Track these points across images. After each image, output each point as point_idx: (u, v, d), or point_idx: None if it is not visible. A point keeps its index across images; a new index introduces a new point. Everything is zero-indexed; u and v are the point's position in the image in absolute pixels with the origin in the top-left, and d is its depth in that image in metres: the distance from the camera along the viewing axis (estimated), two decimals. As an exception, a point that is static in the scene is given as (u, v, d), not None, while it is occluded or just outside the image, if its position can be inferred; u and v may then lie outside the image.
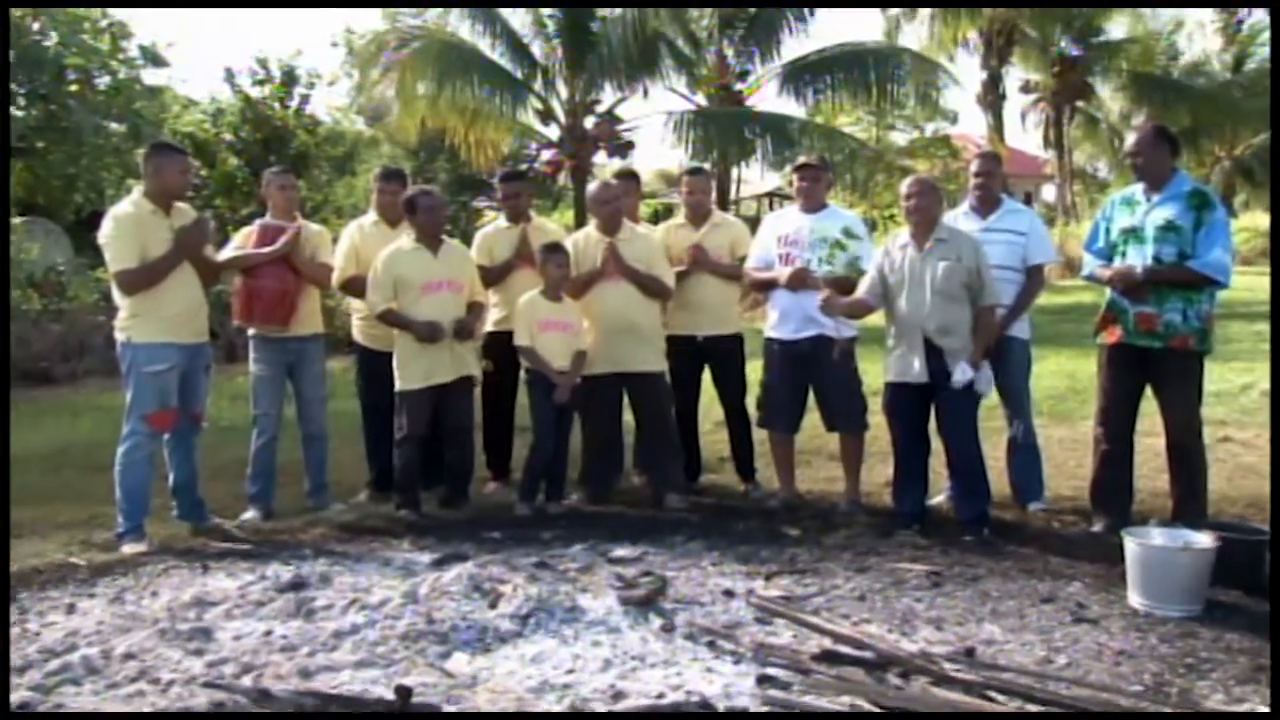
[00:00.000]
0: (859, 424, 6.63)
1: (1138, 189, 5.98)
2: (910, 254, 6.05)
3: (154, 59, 19.12)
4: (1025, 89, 34.69)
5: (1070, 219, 30.80)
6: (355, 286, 6.90)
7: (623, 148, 19.16)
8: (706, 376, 7.23)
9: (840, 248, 6.43)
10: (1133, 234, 5.87)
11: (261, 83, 20.39)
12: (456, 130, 17.92)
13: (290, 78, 20.46)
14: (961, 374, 5.89)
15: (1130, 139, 5.99)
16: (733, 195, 24.16)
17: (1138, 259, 5.83)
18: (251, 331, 6.81)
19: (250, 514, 6.64)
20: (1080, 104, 33.66)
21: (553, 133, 19.27)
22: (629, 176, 7.57)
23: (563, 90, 18.62)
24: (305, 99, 20.61)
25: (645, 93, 18.74)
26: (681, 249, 7.08)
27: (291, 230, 6.68)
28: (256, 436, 6.79)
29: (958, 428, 6.01)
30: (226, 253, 6.69)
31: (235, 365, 11.07)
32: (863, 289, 6.20)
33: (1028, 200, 52.90)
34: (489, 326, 7.15)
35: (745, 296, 7.69)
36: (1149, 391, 5.95)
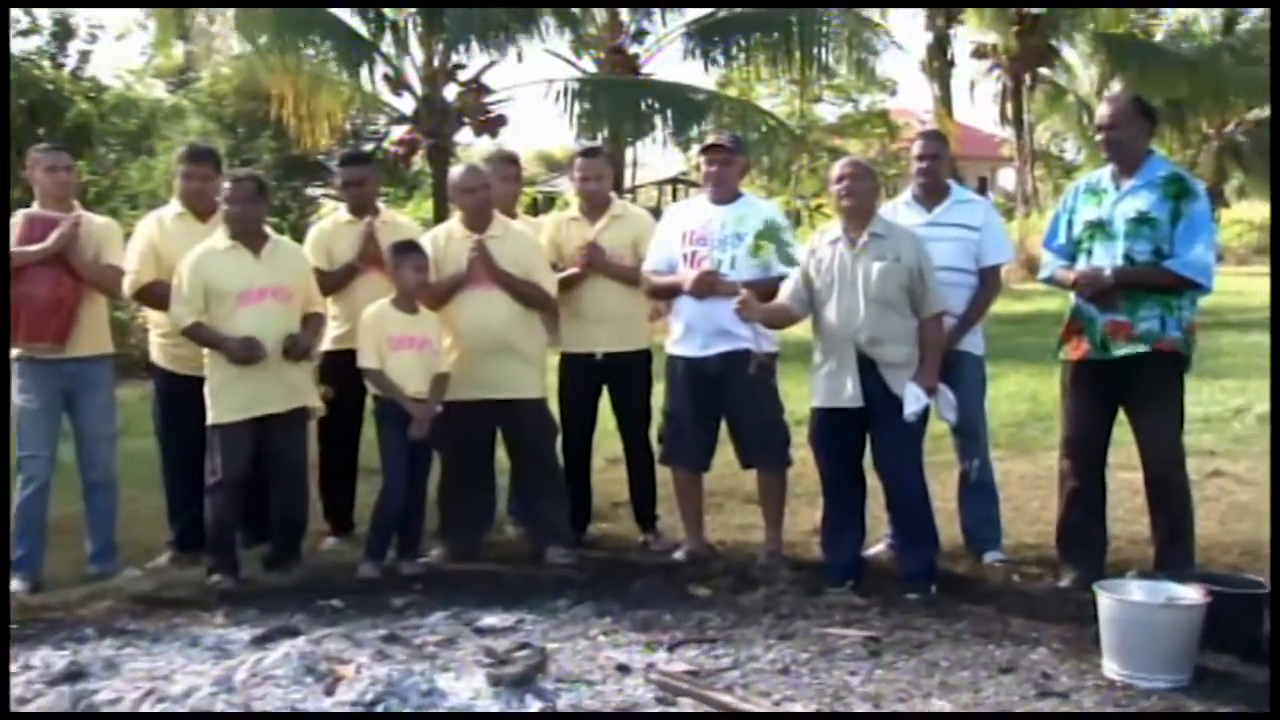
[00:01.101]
0: (781, 459, 6.72)
1: (1104, 175, 6.16)
2: (840, 252, 6.15)
3: None
4: (978, 53, 35.33)
5: (1032, 209, 31.54)
6: (154, 295, 6.80)
7: (493, 123, 19.14)
8: (604, 403, 7.29)
9: (760, 248, 6.49)
10: (1099, 228, 6.04)
11: (26, 34, 19.80)
12: (285, 99, 17.75)
13: (64, 29, 19.92)
14: (915, 401, 5.99)
15: (1103, 109, 6.16)
16: (628, 182, 24.34)
17: (1106, 258, 5.99)
18: (15, 352, 6.59)
19: (14, 584, 6.44)
20: (1043, 71, 34.39)
21: (406, 104, 19.19)
22: (504, 160, 7.60)
23: (418, 52, 18.57)
24: (85, 57, 20.08)
25: (520, 56, 18.79)
26: (576, 248, 7.14)
27: (67, 223, 6.55)
28: (21, 486, 6.58)
29: (899, 462, 6.12)
30: None
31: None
32: (784, 293, 6.28)
33: (982, 188, 54.05)
34: (327, 344, 7.10)
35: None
36: (1122, 417, 6.12)
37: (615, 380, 7.21)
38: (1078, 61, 33.53)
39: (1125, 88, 27.14)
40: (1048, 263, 6.31)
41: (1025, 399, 11.35)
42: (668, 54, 21.83)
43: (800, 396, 6.68)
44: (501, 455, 7.05)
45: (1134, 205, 5.95)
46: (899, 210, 6.75)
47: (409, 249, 6.68)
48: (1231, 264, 30.42)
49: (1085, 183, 6.29)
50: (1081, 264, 6.08)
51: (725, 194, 6.76)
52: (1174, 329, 5.92)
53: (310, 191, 26.83)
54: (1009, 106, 34.35)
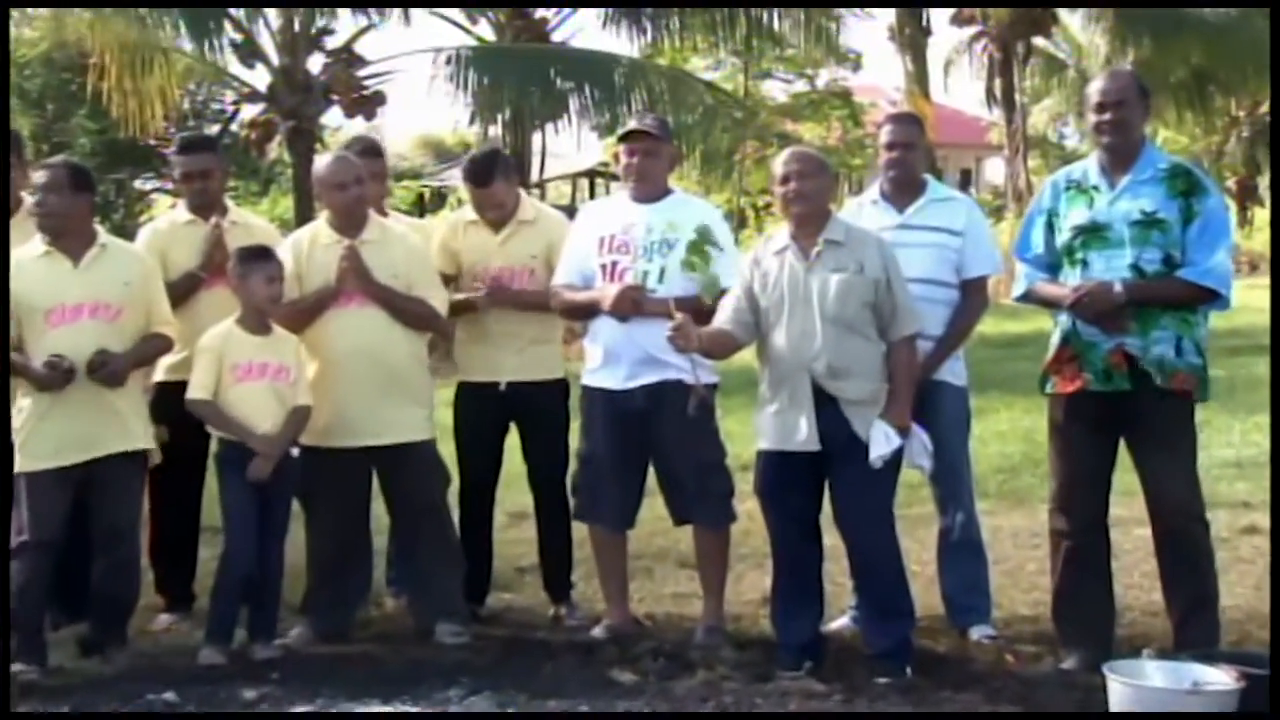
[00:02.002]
0: (721, 513, 6.76)
1: (1089, 168, 6.23)
2: (790, 263, 6.18)
3: None
4: (960, 19, 35.64)
5: (1025, 208, 31.73)
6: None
7: (368, 102, 19.15)
8: (511, 445, 7.32)
9: (693, 264, 6.41)
10: (1094, 233, 6.08)
11: None
12: (107, 70, 17.61)
13: None
14: (885, 443, 6.01)
15: (1103, 84, 6.23)
16: (534, 175, 24.28)
17: (1109, 270, 6.02)
18: None
19: None
20: (1039, 41, 34.76)
21: (259, 78, 19.15)
22: (364, 152, 7.46)
23: (274, 15, 18.52)
24: None
25: (407, 19, 18.80)
26: (479, 257, 7.18)
27: None
28: None
29: (865, 517, 6.16)
30: None
31: None
32: (723, 315, 6.29)
33: (964, 182, 54.64)
34: (160, 374, 7.06)
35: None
36: (1125, 460, 6.18)
37: (524, 416, 7.22)
38: (1080, 28, 33.81)
39: (1137, 62, 27.37)
40: (1023, 276, 6.35)
41: (1018, 439, 11.45)
42: (583, 19, 21.84)
43: (745, 437, 6.71)
44: (379, 510, 7.05)
45: (1137, 205, 6.02)
46: (864, 210, 6.82)
47: (258, 256, 6.66)
48: (1256, 276, 30.67)
49: (1066, 178, 6.33)
50: (1073, 277, 6.12)
51: (651, 191, 6.79)
52: (1192, 354, 6.00)
53: (140, 185, 26.66)
54: (997, 83, 34.65)
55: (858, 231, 6.28)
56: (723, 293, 6.33)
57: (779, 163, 6.27)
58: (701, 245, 6.36)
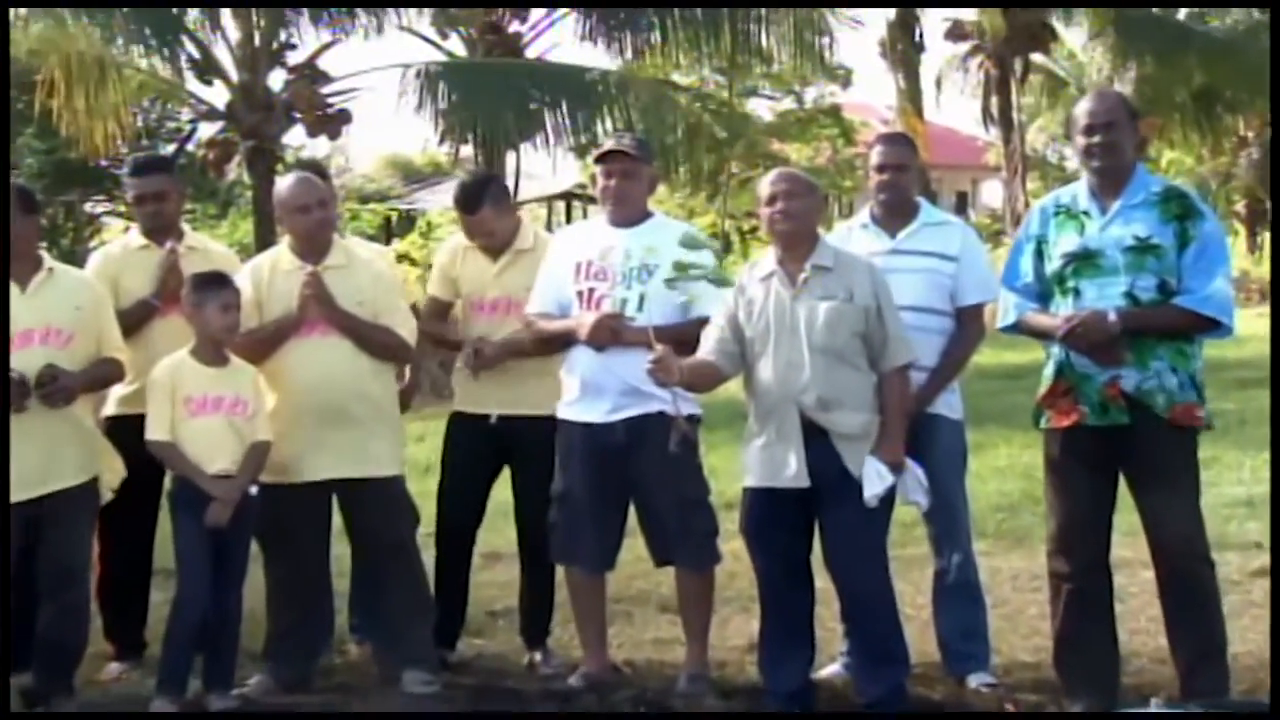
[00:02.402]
0: (705, 554, 6.76)
1: (1079, 192, 6.25)
2: (776, 290, 6.20)
3: None
4: (954, 34, 35.79)
5: (1026, 233, 31.82)
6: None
7: (332, 120, 19.14)
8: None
9: (680, 269, 6.37)
10: (1086, 260, 6.09)
11: None
12: (57, 87, 17.57)
13: None
14: (877, 481, 6.03)
15: (1091, 105, 6.24)
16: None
17: (1102, 298, 6.02)
18: None
19: None
20: (1037, 57, 34.92)
21: (218, 96, 19.13)
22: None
23: (234, 29, 18.52)
24: None
25: (378, 30, 18.81)
26: (476, 285, 7.23)
27: None
28: None
29: (857, 558, 6.17)
30: None
31: None
32: (706, 345, 6.30)
33: (960, 206, 54.80)
34: (111, 407, 7.05)
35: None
36: (1125, 497, 6.19)
37: (516, 453, 7.23)
38: (1080, 45, 33.93)
39: (1141, 79, 27.44)
40: (1010, 306, 6.35)
41: (1018, 475, 11.45)
42: (560, 33, 21.87)
43: (730, 473, 6.73)
44: (343, 550, 7.04)
45: (1130, 230, 6.04)
46: (854, 235, 6.84)
47: (215, 282, 6.65)
48: (1259, 304, 30.74)
49: (1054, 203, 6.35)
50: (1065, 307, 6.12)
51: (630, 214, 6.81)
52: (1189, 387, 6.01)
53: (90, 208, 26.60)
54: (994, 101, 34.79)
55: (847, 257, 6.31)
56: (725, 282, 6.30)
57: (765, 183, 6.30)
58: (688, 248, 6.29)
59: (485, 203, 7.22)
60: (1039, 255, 6.26)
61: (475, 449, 7.24)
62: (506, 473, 7.33)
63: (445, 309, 7.39)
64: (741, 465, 6.36)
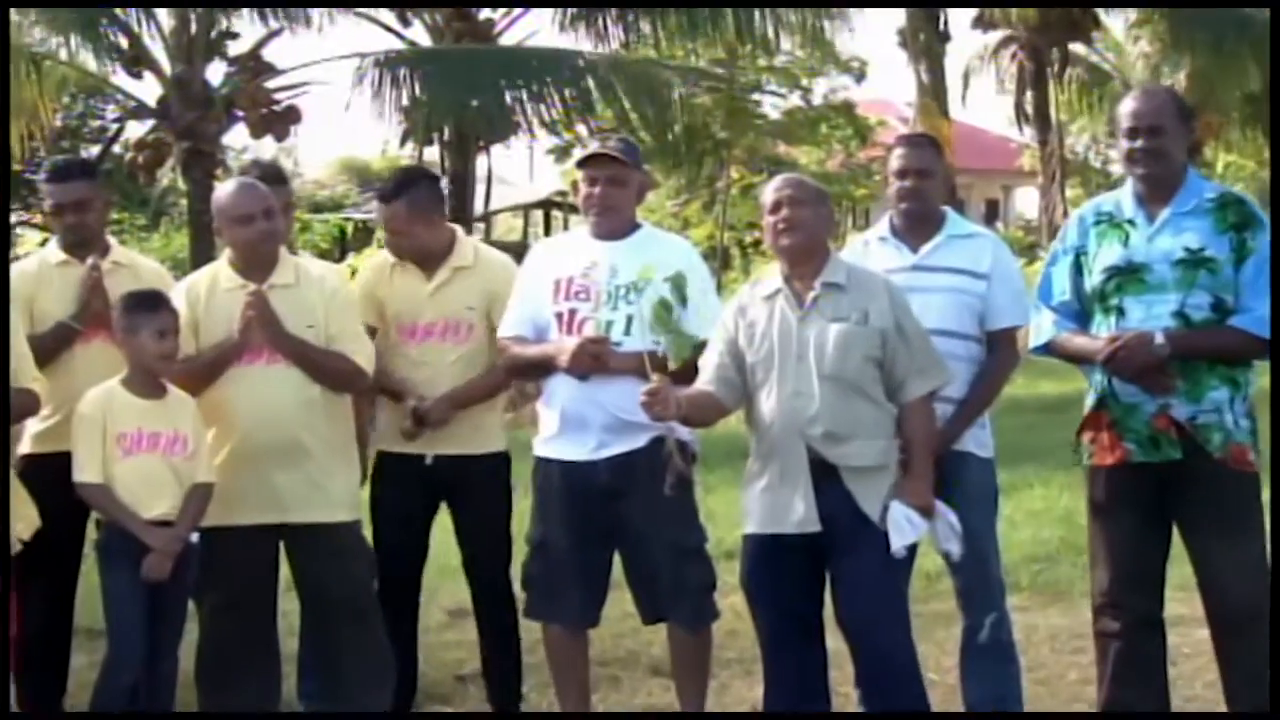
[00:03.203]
0: (702, 611, 6.75)
1: (1124, 199, 6.26)
2: (782, 311, 6.19)
3: None
4: (983, 22, 35.85)
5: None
6: None
7: (279, 119, 19.16)
8: (443, 527, 7.32)
9: (659, 318, 6.29)
10: (1131, 275, 6.10)
11: None
12: (-34, 82, 17.62)
13: None
14: (906, 529, 6.01)
15: (1136, 105, 6.26)
16: (478, 206, 24.26)
17: (1150, 318, 6.02)
18: None
19: None
20: (1077, 49, 34.96)
21: (148, 90, 19.15)
22: (267, 177, 7.43)
23: (166, 15, 18.52)
24: None
25: (329, 19, 18.82)
26: (406, 307, 7.20)
27: None
28: None
29: (874, 614, 6.15)
30: None
31: None
32: (704, 374, 6.28)
33: (990, 215, 54.89)
34: (26, 445, 7.03)
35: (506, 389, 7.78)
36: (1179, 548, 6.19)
37: (457, 496, 7.25)
38: (1125, 36, 33.94)
39: (1193, 74, 27.45)
40: (1046, 327, 6.37)
41: (1057, 521, 11.44)
42: (536, 21, 21.79)
43: (730, 519, 6.72)
44: (290, 603, 7.04)
45: (1180, 241, 6.03)
46: (870, 249, 6.85)
47: (148, 304, 6.63)
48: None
49: (1094, 211, 6.36)
50: (1107, 327, 6.13)
51: (616, 226, 6.81)
52: (1241, 416, 5.99)
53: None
54: (1028, 98, 34.90)
55: (862, 273, 6.30)
56: (699, 348, 6.32)
57: (768, 190, 6.30)
58: (673, 296, 6.28)
59: (402, 197, 7.22)
60: (1078, 269, 6.27)
61: (409, 493, 7.24)
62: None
63: (368, 335, 7.24)
64: (742, 509, 6.35)
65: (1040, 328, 6.40)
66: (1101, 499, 6.22)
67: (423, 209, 7.27)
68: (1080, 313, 6.27)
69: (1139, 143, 6.12)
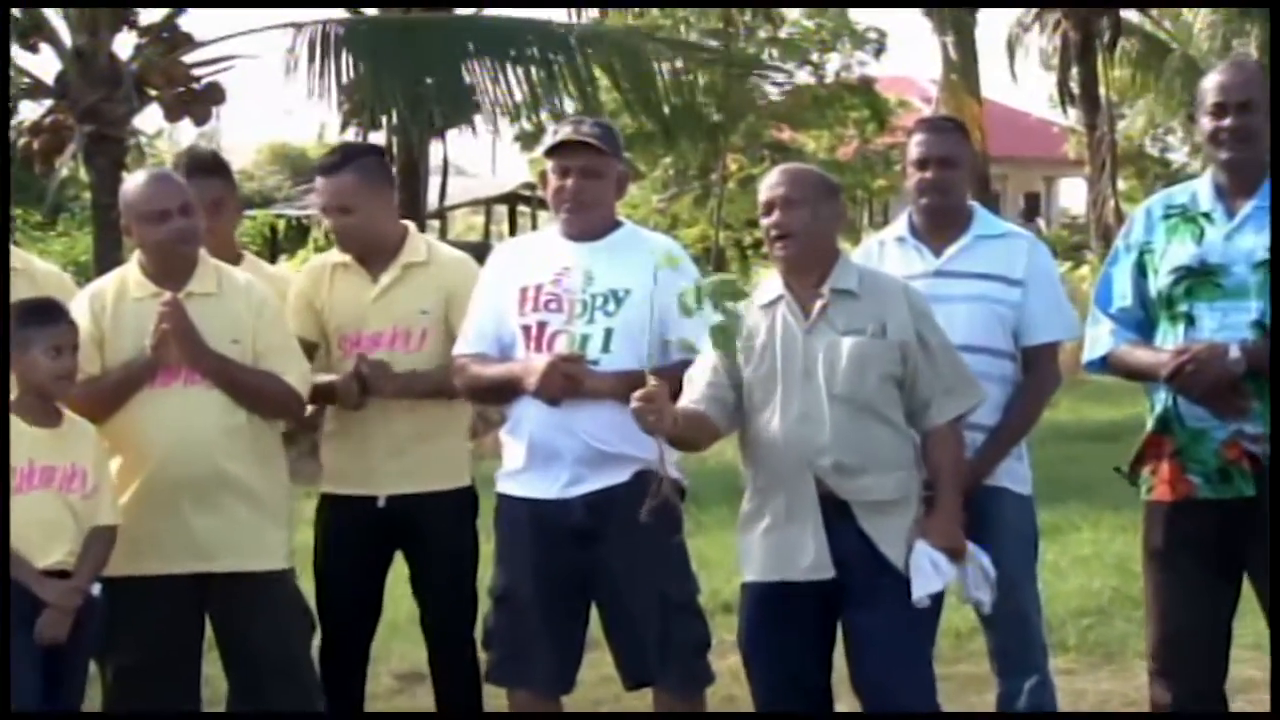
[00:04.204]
0: (693, 674, 6.74)
1: (1200, 190, 6.24)
2: (785, 322, 6.17)
3: None
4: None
5: (1116, 246, 31.80)
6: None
7: (199, 99, 19.14)
8: (400, 572, 7.34)
9: (722, 333, 6.20)
10: (1204, 277, 6.07)
11: None
12: None
13: None
14: (932, 573, 6.00)
15: (1218, 80, 6.23)
16: (433, 201, 24.26)
17: (1221, 329, 5.99)
18: None
19: None
20: (1131, 16, 35.00)
21: (45, 66, 19.14)
22: (199, 168, 7.50)
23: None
24: None
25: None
26: (350, 314, 7.20)
27: None
28: None
29: (894, 676, 6.14)
30: None
31: None
32: (693, 391, 6.22)
33: (1030, 212, 54.95)
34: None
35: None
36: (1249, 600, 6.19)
37: (414, 541, 7.26)
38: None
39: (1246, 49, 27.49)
40: (1102, 336, 6.34)
41: (1108, 568, 11.41)
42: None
43: (726, 566, 6.72)
44: (213, 667, 7.04)
45: (1263, 240, 6.00)
46: (886, 251, 6.88)
47: (43, 315, 6.62)
48: None
49: (1164, 203, 6.33)
50: (1174, 338, 6.09)
51: (592, 224, 6.81)
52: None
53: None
54: (1074, 74, 34.88)
55: (877, 277, 6.31)
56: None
57: (764, 186, 6.28)
58: (710, 296, 5.94)
59: (349, 167, 7.21)
60: (1141, 270, 6.23)
61: (359, 541, 7.25)
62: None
63: (308, 353, 7.22)
64: (740, 554, 6.34)
65: (1096, 339, 6.36)
66: (1159, 542, 6.18)
67: (374, 182, 7.30)
68: (1144, 321, 6.23)
69: (1227, 121, 6.07)
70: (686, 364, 6.37)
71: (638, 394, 5.91)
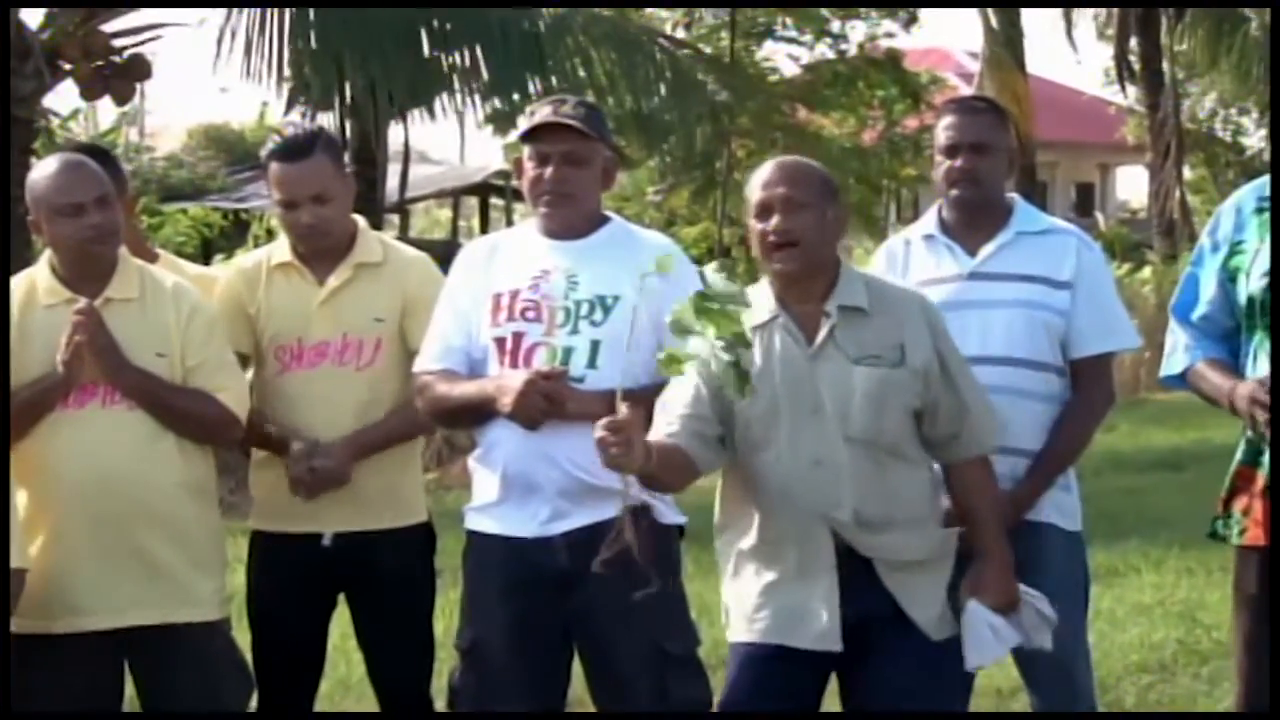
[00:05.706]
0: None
1: None
2: (784, 344, 6.11)
3: None
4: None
5: (1181, 245, 31.81)
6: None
7: (121, 74, 19.18)
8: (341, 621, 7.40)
9: (673, 361, 6.12)
10: None
11: None
12: None
13: None
14: (993, 640, 6.01)
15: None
16: (392, 193, 24.27)
17: None
18: None
19: None
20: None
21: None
22: (96, 157, 7.44)
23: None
24: None
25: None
26: (290, 321, 7.23)
27: None
28: None
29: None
30: None
31: None
32: (668, 423, 6.10)
33: (1082, 204, 55.02)
34: None
35: (428, 445, 7.81)
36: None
37: (362, 586, 7.30)
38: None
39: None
40: (1181, 350, 6.34)
41: (1173, 617, 11.41)
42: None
43: (712, 609, 6.72)
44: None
45: None
46: (913, 250, 6.91)
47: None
48: None
49: (1256, 196, 6.30)
50: (1263, 352, 6.06)
51: (575, 220, 6.81)
52: None
53: None
54: (1133, 46, 34.95)
55: (887, 290, 6.25)
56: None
57: (755, 182, 6.20)
58: (699, 318, 5.80)
59: (319, 151, 7.22)
60: (1230, 273, 6.20)
61: (302, 583, 7.27)
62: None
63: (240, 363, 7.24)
64: (727, 606, 6.37)
65: (1173, 352, 6.36)
66: (1254, 590, 6.11)
67: (343, 168, 7.36)
68: (1229, 332, 6.23)
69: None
70: (656, 386, 6.32)
71: (603, 422, 5.74)
